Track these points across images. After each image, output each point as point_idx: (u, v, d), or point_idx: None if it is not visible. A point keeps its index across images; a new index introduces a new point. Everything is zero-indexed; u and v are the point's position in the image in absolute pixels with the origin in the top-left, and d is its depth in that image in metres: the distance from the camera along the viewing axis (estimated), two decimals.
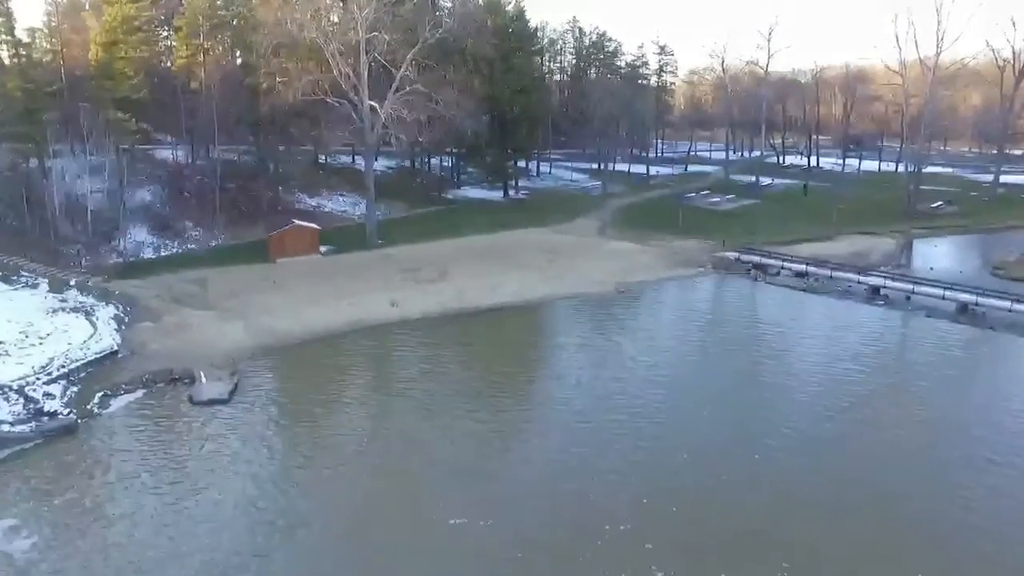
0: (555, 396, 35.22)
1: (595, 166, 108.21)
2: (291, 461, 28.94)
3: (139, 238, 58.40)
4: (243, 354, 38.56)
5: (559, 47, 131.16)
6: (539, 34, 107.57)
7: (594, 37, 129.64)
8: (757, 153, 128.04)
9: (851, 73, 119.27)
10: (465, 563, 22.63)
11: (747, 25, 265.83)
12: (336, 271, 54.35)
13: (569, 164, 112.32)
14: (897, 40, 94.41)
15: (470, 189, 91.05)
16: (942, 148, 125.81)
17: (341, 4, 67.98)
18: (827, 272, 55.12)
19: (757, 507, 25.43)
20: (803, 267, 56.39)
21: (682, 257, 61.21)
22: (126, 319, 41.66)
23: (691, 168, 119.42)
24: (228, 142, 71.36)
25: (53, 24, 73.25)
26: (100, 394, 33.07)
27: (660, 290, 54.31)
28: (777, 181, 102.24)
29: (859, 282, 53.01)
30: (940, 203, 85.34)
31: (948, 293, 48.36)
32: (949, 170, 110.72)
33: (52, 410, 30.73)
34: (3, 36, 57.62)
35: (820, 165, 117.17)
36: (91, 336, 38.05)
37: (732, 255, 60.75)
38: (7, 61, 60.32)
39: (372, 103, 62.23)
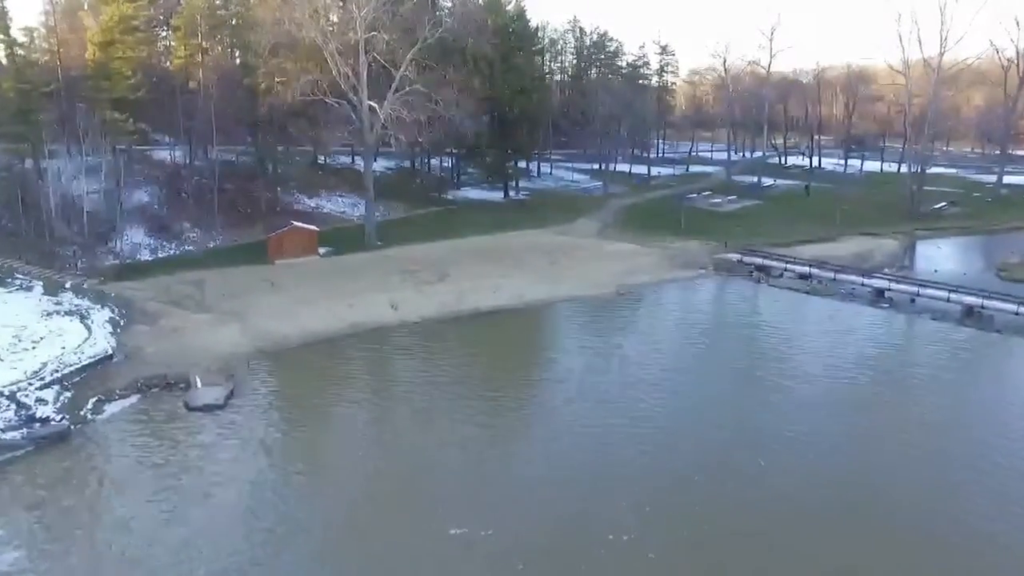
0: (556, 400, 34.69)
1: (596, 166, 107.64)
2: (289, 468, 28.40)
3: (136, 239, 57.80)
4: (240, 358, 38.02)
5: (560, 47, 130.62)
6: (540, 34, 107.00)
7: (595, 37, 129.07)
8: (759, 154, 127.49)
9: (853, 73, 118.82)
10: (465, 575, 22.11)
11: (749, 25, 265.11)
12: (335, 273, 53.82)
13: (570, 165, 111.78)
14: (900, 40, 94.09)
15: (470, 190, 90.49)
16: (945, 148, 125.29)
17: (340, 3, 67.48)
18: (831, 274, 54.62)
19: (763, 516, 24.91)
20: (806, 269, 55.89)
21: (684, 259, 60.69)
22: (122, 322, 41.08)
23: (692, 169, 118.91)
24: (226, 142, 70.76)
25: (50, 24, 72.74)
26: (94, 400, 32.47)
27: (662, 292, 53.77)
28: (779, 182, 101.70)
29: (863, 284, 52.48)
30: (943, 204, 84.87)
31: (953, 296, 47.81)
32: (952, 171, 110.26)
33: (44, 416, 30.13)
34: None
35: (822, 166, 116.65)
36: (86, 340, 37.48)
37: (734, 257, 60.22)
38: (3, 60, 59.77)
39: (371, 103, 61.71)
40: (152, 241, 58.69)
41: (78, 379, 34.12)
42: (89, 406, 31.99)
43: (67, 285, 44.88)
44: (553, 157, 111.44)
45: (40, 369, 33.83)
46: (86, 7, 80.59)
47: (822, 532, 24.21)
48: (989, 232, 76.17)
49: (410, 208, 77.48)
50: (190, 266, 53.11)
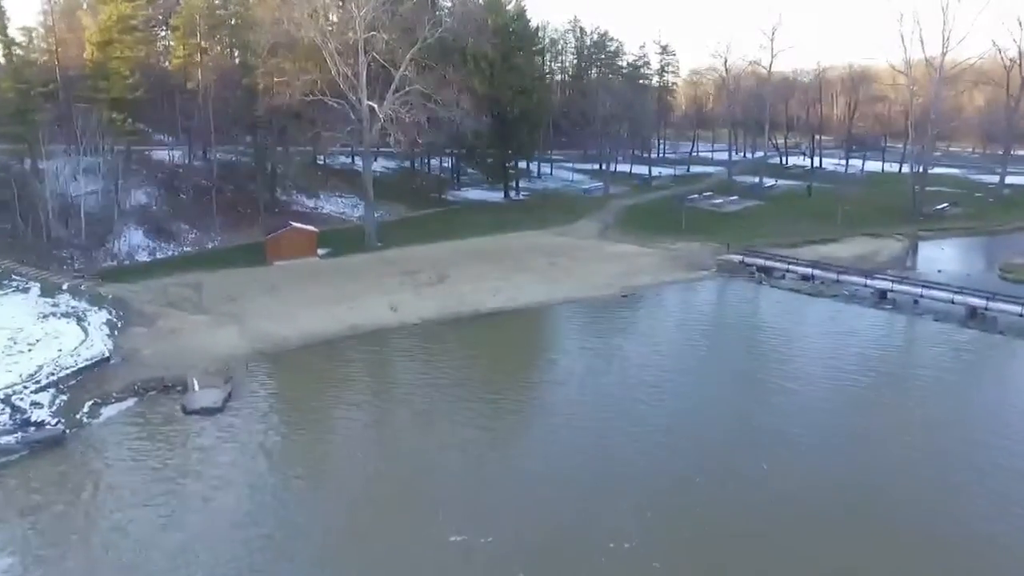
0: (557, 404, 34.35)
1: (596, 167, 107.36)
2: (287, 472, 28.05)
3: (134, 241, 57.43)
4: (238, 360, 37.70)
5: (560, 47, 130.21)
6: (540, 34, 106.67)
7: (595, 37, 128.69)
8: (760, 154, 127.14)
9: (855, 73, 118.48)
10: None
11: (750, 25, 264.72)
12: (334, 274, 53.47)
13: (570, 165, 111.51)
14: (902, 40, 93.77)
15: (470, 190, 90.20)
16: (947, 148, 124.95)
17: (339, 3, 67.16)
18: (833, 275, 54.26)
19: (767, 522, 24.59)
20: (809, 270, 55.55)
21: (685, 260, 60.35)
22: (119, 324, 40.75)
23: (693, 169, 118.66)
24: (225, 143, 70.49)
25: (49, 23, 72.44)
26: (90, 403, 32.15)
27: (663, 294, 53.42)
28: (780, 182, 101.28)
29: (866, 285, 52.10)
30: (945, 204, 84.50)
31: (958, 297, 47.44)
32: (953, 171, 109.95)
33: (40, 420, 29.83)
34: None
35: (823, 166, 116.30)
36: (82, 342, 37.13)
37: (736, 258, 59.85)
38: (1, 60, 59.43)
39: (371, 103, 61.37)
40: (150, 242, 58.34)
41: (74, 382, 33.81)
42: (85, 409, 31.70)
43: (64, 287, 44.53)
44: (553, 157, 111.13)
45: (36, 372, 33.49)
46: (85, 7, 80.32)
47: (823, 533, 24.04)
48: (991, 233, 75.85)
49: (410, 209, 77.18)
50: (188, 267, 52.79)
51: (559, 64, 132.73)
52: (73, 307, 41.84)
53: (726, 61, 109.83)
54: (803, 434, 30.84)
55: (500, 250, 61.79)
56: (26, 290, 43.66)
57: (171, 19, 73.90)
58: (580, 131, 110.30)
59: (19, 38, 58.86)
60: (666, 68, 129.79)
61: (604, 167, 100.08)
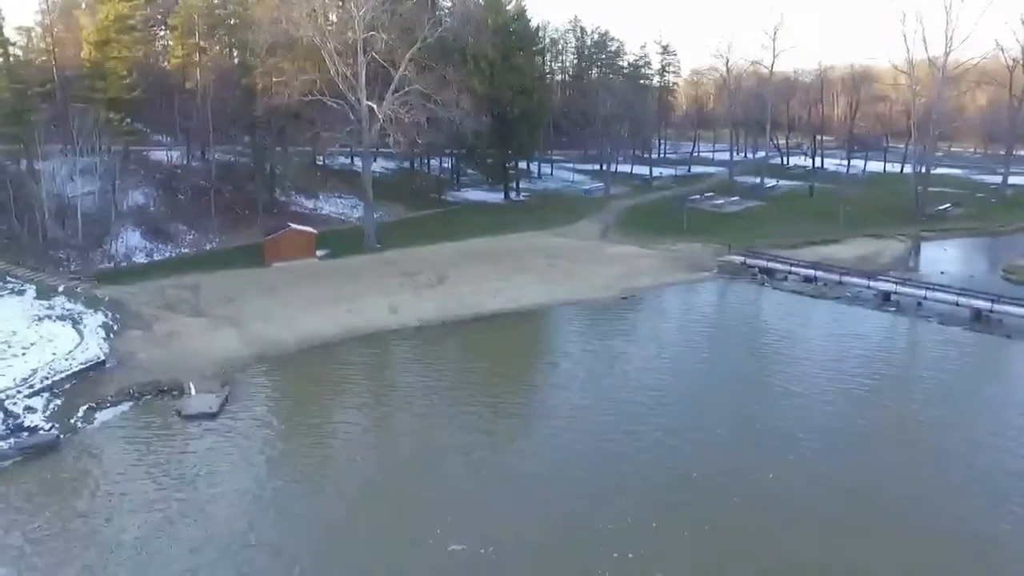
0: (558, 407, 33.88)
1: (597, 167, 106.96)
2: (284, 479, 27.53)
3: (131, 242, 56.99)
4: (235, 364, 37.28)
5: (561, 47, 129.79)
6: (540, 33, 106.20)
7: (596, 37, 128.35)
8: (761, 154, 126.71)
9: (856, 73, 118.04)
10: None
11: (752, 25, 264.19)
12: (333, 276, 53.04)
13: (571, 165, 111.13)
14: (905, 40, 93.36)
15: (470, 191, 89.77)
16: (949, 149, 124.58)
17: (339, 3, 66.74)
18: (836, 277, 53.84)
19: (768, 522, 24.38)
20: (811, 272, 55.13)
21: (686, 261, 59.93)
22: (115, 327, 40.31)
23: (694, 169, 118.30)
24: (224, 143, 70.07)
25: (46, 23, 72.01)
26: (84, 408, 31.68)
27: (664, 295, 52.98)
28: (782, 182, 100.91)
29: (869, 287, 51.70)
30: (948, 205, 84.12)
31: (962, 299, 47.01)
32: (955, 171, 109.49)
33: (33, 425, 29.41)
34: None
35: (824, 166, 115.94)
36: (77, 346, 36.70)
37: (738, 259, 59.43)
38: None
39: (370, 103, 60.95)
40: (147, 243, 57.90)
41: (69, 386, 33.38)
42: (79, 414, 31.23)
43: (60, 289, 44.13)
44: (554, 158, 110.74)
45: (30, 376, 33.04)
46: (83, 6, 80.00)
47: (824, 532, 23.88)
48: (994, 234, 75.49)
49: (409, 210, 76.77)
50: (186, 269, 52.35)
51: (559, 64, 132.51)
52: (68, 309, 41.42)
53: (727, 61, 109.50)
54: (806, 436, 30.46)
55: (500, 251, 61.38)
56: (21, 292, 43.26)
57: (169, 19, 73.52)
58: (580, 131, 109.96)
59: (16, 38, 58.64)
60: (667, 68, 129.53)
61: (605, 167, 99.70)
